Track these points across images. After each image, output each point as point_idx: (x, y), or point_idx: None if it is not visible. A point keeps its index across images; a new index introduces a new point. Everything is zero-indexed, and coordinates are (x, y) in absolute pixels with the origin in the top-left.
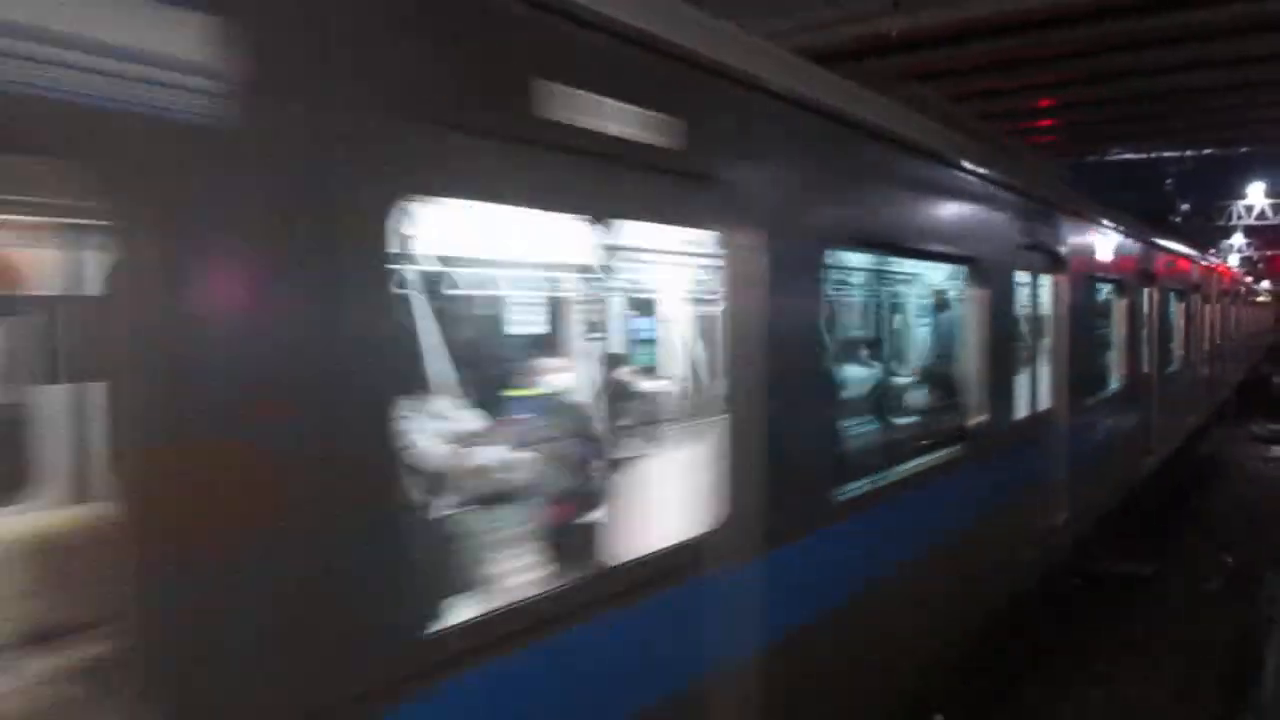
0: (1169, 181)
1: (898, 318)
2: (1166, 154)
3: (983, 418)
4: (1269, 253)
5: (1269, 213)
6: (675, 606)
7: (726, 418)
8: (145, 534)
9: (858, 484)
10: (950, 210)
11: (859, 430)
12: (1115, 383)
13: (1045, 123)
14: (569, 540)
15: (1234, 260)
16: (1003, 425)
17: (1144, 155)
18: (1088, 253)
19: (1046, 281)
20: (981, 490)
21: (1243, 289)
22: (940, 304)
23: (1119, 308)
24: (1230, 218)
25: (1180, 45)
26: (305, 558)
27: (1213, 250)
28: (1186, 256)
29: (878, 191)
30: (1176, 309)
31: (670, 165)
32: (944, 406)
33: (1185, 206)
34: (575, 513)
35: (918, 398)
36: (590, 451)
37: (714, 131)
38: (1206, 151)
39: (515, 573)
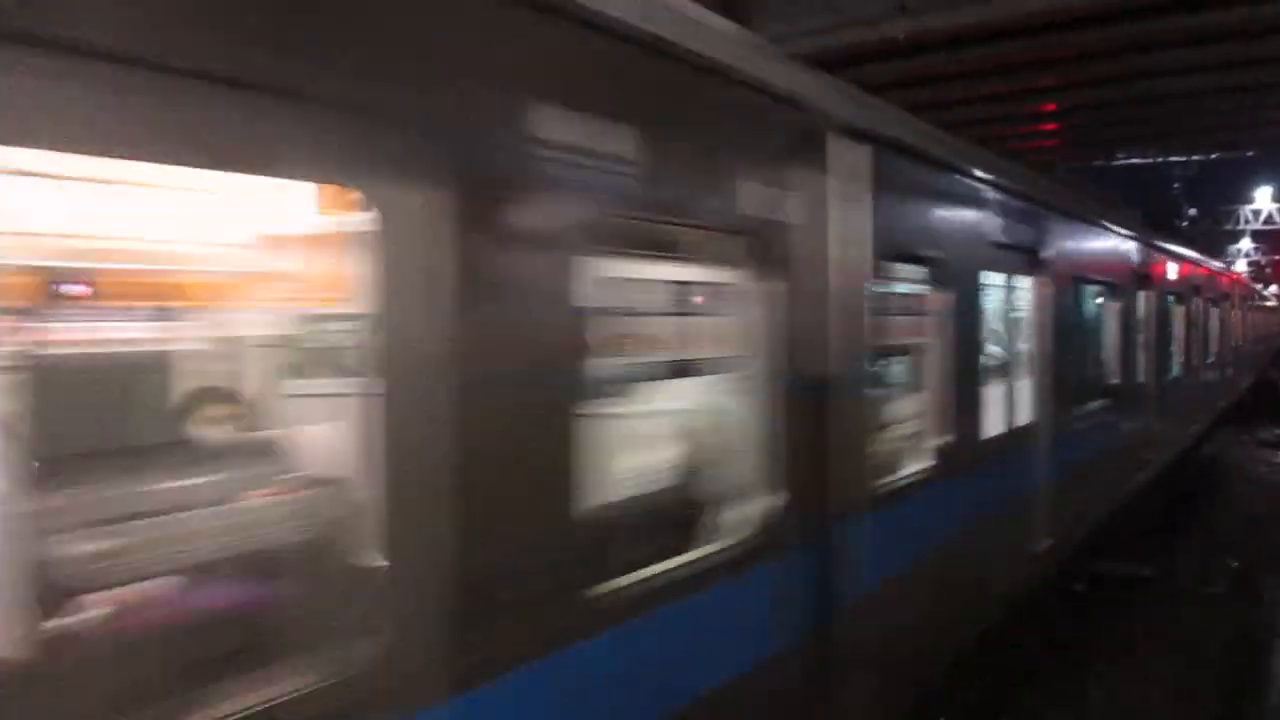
0: (1175, 186)
1: (1087, 319)
2: (1172, 159)
3: (1116, 381)
4: (1276, 257)
5: (1276, 217)
6: (1028, 455)
7: (1036, 369)
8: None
9: (1076, 409)
10: (1108, 253)
11: (1074, 381)
12: (1175, 370)
13: (1048, 126)
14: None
15: (1241, 265)
16: (1128, 388)
17: (1149, 160)
18: (1161, 271)
19: (1140, 295)
20: (1122, 426)
21: (1256, 296)
22: (1099, 311)
23: (1177, 314)
24: (1237, 222)
25: (1186, 48)
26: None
27: (1229, 260)
28: (1220, 271)
29: (1084, 248)
30: (1213, 314)
31: (1022, 246)
32: (1102, 374)
33: (1192, 211)
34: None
35: (1097, 367)
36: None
37: (1035, 228)
38: (1213, 156)
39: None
